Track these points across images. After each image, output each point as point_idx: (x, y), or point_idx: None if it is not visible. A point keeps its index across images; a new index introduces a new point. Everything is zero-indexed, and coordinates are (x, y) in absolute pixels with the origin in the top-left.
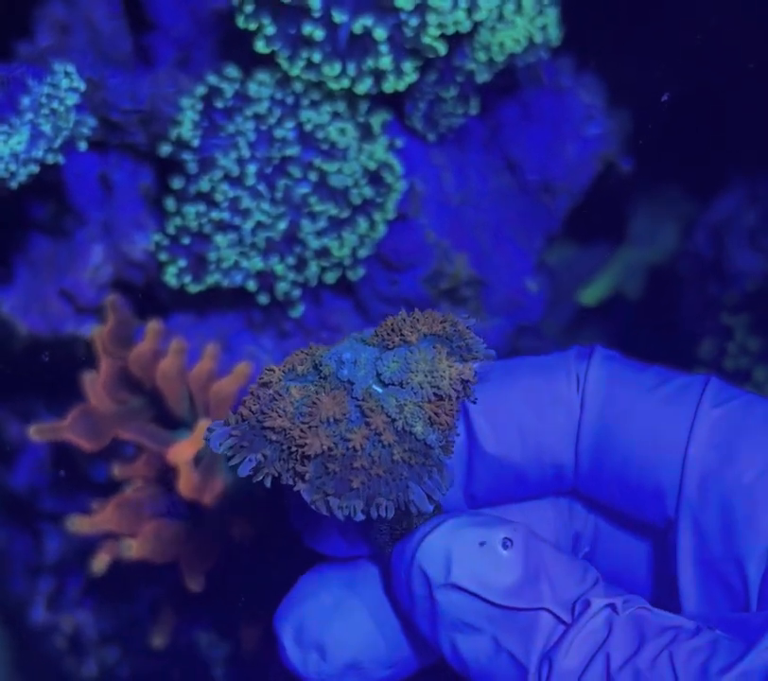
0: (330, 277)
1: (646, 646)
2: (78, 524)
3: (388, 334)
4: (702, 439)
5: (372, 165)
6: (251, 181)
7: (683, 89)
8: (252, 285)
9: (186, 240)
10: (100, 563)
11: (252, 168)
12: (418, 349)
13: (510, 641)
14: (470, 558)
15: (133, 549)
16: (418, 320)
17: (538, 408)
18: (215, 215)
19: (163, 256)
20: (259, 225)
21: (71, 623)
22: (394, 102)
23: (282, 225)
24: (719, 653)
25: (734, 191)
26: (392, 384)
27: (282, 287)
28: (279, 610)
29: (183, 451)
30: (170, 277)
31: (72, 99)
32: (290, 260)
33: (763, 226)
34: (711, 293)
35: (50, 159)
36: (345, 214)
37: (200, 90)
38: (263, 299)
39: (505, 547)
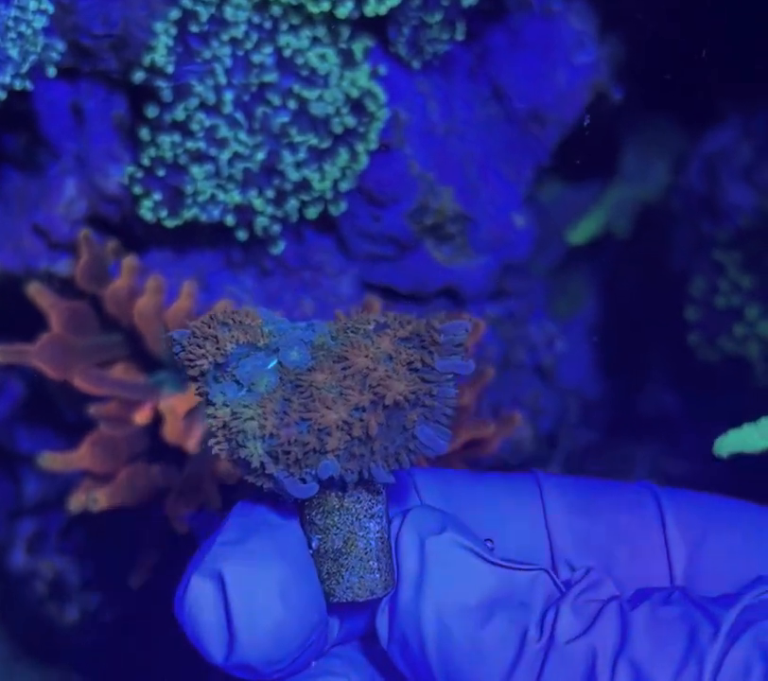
0: (311, 213)
1: (654, 592)
2: (50, 461)
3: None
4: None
5: (354, 93)
6: (228, 109)
7: (677, 16)
8: (230, 219)
9: (161, 172)
10: (77, 502)
11: (228, 96)
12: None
13: (505, 604)
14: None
15: (102, 500)
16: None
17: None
18: (191, 145)
19: (137, 189)
20: (236, 156)
21: (51, 568)
22: (377, 28)
23: (260, 156)
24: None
25: (728, 125)
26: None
27: (261, 221)
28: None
29: (174, 407)
30: (146, 211)
31: (40, 22)
32: (269, 193)
33: (758, 161)
34: (703, 230)
35: (18, 85)
36: (326, 144)
37: (174, 13)
38: (242, 235)
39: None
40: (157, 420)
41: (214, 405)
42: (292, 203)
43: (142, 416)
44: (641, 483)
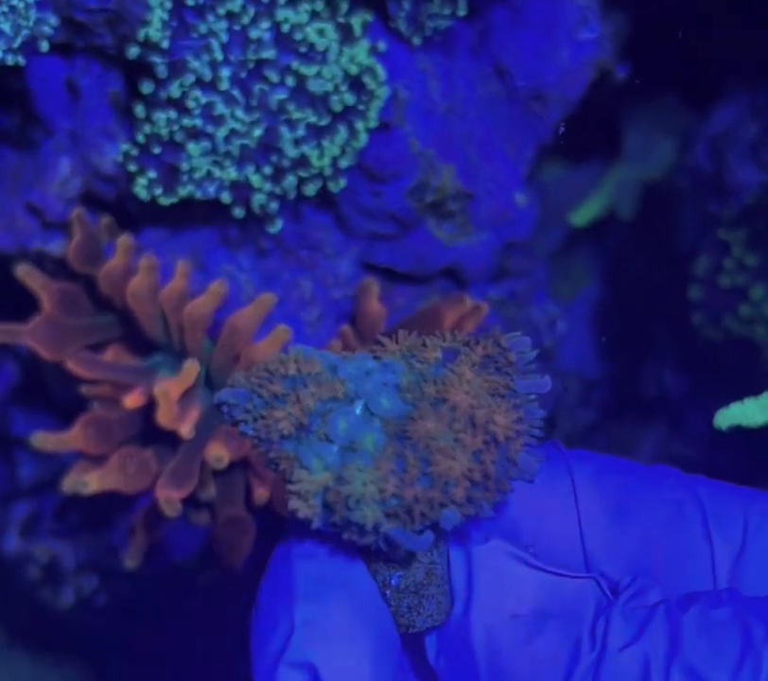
0: (310, 189)
1: (701, 595)
2: (42, 440)
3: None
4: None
5: (353, 70)
6: (224, 85)
7: None
8: (226, 196)
9: (157, 150)
10: (71, 483)
11: (225, 72)
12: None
13: (556, 614)
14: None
15: (93, 483)
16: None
17: None
18: (187, 122)
19: (132, 167)
20: (233, 133)
21: (46, 552)
22: (377, 2)
23: (257, 132)
24: None
25: (734, 102)
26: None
27: (258, 198)
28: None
29: (168, 390)
30: (140, 189)
31: None
32: (267, 170)
33: (765, 138)
34: (708, 209)
35: (10, 60)
36: (325, 121)
37: None
38: (238, 212)
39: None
40: (151, 403)
41: (309, 469)
42: (290, 180)
43: (131, 400)
44: (667, 470)
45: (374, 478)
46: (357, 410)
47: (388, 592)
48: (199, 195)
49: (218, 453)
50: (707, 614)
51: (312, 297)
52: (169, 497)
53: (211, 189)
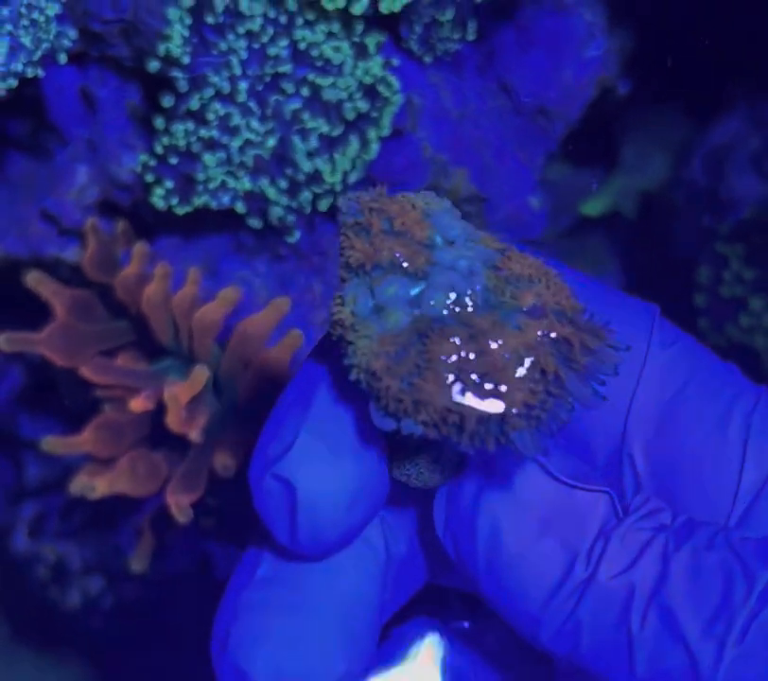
0: (323, 204)
1: (697, 532)
2: (53, 444)
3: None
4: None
5: (368, 79)
6: (242, 97)
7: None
8: (240, 206)
9: (174, 160)
10: (79, 485)
11: (243, 85)
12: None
13: (561, 524)
14: None
15: (102, 487)
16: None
17: None
18: (204, 133)
19: (149, 177)
20: (248, 143)
21: (53, 552)
22: (389, 26)
23: (271, 142)
24: None
25: (735, 115)
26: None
27: (276, 211)
28: (236, 647)
29: (177, 395)
30: (157, 199)
31: (53, 9)
32: (282, 183)
33: (766, 151)
34: (705, 223)
35: (30, 72)
36: (337, 131)
37: (187, 1)
38: (255, 223)
39: None
40: (161, 406)
41: (343, 299)
42: (306, 195)
43: (137, 404)
44: (736, 375)
45: (372, 347)
46: (415, 291)
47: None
48: (213, 205)
49: (225, 462)
50: (696, 556)
51: (322, 300)
52: (180, 502)
53: (225, 199)
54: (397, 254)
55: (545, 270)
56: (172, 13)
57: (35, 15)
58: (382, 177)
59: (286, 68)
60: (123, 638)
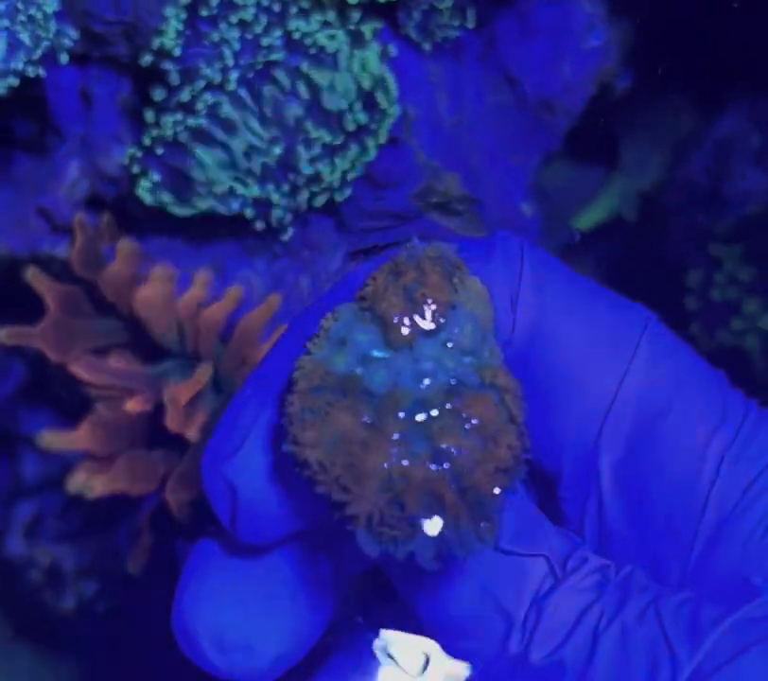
0: (319, 201)
1: (629, 602)
2: (49, 439)
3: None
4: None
5: (365, 81)
6: (232, 86)
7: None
8: (249, 212)
9: (160, 150)
10: (76, 483)
11: (234, 74)
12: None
13: (499, 587)
14: None
15: (98, 487)
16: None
17: None
18: (191, 121)
19: (135, 169)
20: (253, 149)
21: (47, 555)
22: (387, 15)
23: (277, 150)
24: (707, 605)
25: (736, 111)
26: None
27: (278, 213)
28: (184, 607)
29: (176, 396)
30: (143, 192)
31: (51, 6)
32: (285, 188)
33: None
34: (701, 223)
35: (30, 71)
36: (339, 140)
37: None
38: (260, 225)
39: None
40: (158, 406)
41: (333, 315)
42: (304, 195)
43: (133, 405)
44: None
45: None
46: (374, 353)
47: None
48: (223, 210)
49: None
50: (627, 634)
51: (308, 294)
52: (179, 501)
53: (235, 205)
54: (394, 316)
55: (494, 435)
56: (169, 11)
57: (32, 11)
58: (379, 176)
59: (278, 56)
60: (117, 641)
